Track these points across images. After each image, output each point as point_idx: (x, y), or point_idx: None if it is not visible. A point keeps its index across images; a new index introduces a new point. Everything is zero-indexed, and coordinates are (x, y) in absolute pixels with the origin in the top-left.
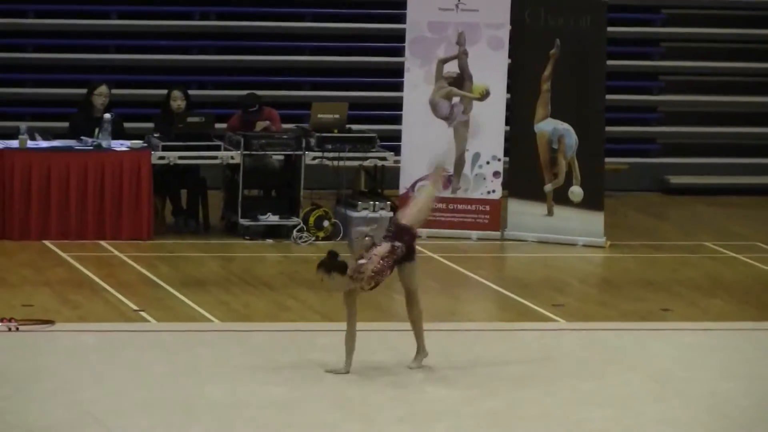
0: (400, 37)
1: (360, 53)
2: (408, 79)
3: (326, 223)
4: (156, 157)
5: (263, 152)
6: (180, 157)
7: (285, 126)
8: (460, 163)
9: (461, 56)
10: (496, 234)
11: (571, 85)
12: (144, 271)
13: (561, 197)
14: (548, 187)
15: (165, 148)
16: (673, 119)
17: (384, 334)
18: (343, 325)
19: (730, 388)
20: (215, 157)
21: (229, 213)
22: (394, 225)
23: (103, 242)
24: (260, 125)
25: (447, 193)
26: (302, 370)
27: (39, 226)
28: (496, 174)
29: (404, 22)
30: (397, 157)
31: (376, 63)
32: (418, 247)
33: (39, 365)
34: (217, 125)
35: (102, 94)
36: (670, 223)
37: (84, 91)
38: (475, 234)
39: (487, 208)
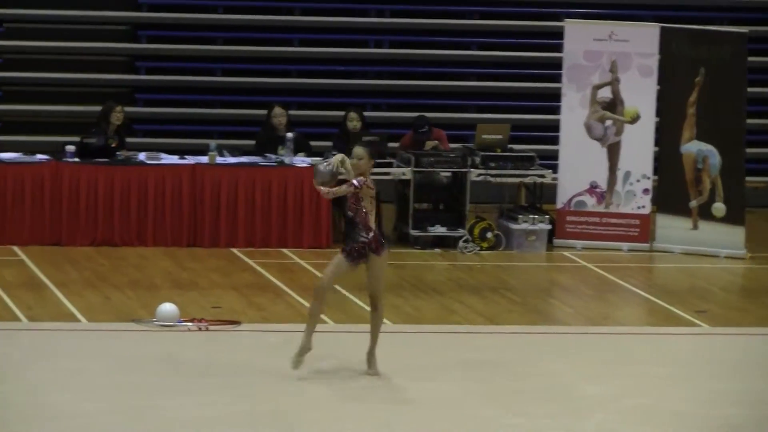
0: (557, 64)
1: (521, 79)
2: (565, 103)
3: (489, 234)
4: None
5: (432, 169)
6: None
7: (452, 145)
8: (612, 180)
9: (614, 82)
10: (645, 246)
11: (715, 110)
12: None
13: (705, 212)
14: (693, 203)
15: None
16: None
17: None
18: (506, 329)
19: None
20: (388, 173)
21: (400, 224)
22: None
23: (285, 250)
24: (429, 144)
25: (601, 208)
26: (466, 369)
27: (227, 235)
28: (645, 191)
29: (562, 51)
30: (554, 175)
31: (536, 88)
32: (573, 257)
33: (227, 362)
34: (390, 144)
35: (277, 114)
36: None
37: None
38: (626, 245)
39: (637, 222)
